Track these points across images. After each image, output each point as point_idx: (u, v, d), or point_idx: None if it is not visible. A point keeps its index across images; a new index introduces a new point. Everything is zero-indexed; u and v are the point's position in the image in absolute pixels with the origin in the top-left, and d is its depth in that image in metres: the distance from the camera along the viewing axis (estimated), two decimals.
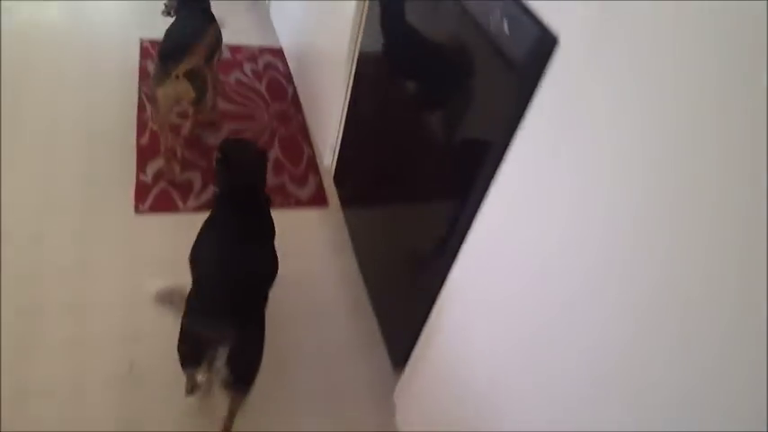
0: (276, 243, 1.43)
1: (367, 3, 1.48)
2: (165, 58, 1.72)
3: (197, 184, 1.90)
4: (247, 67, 2.46)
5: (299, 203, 1.97)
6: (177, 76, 1.70)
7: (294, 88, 2.39)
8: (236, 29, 2.67)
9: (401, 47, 1.36)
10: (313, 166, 2.11)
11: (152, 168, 1.90)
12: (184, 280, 1.35)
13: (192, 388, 1.34)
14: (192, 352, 1.16)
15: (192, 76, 1.73)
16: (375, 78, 1.51)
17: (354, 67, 1.61)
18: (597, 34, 0.72)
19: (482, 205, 0.99)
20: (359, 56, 1.58)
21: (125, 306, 1.55)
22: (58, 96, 2.14)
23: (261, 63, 2.50)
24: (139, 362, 1.45)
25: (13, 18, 2.44)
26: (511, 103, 0.90)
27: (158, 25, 2.08)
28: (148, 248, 1.70)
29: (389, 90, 1.42)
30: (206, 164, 1.97)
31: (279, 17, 2.55)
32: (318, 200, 2.00)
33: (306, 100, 2.25)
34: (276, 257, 1.39)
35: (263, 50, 2.57)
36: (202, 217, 1.66)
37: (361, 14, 1.51)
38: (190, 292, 1.21)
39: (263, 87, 2.38)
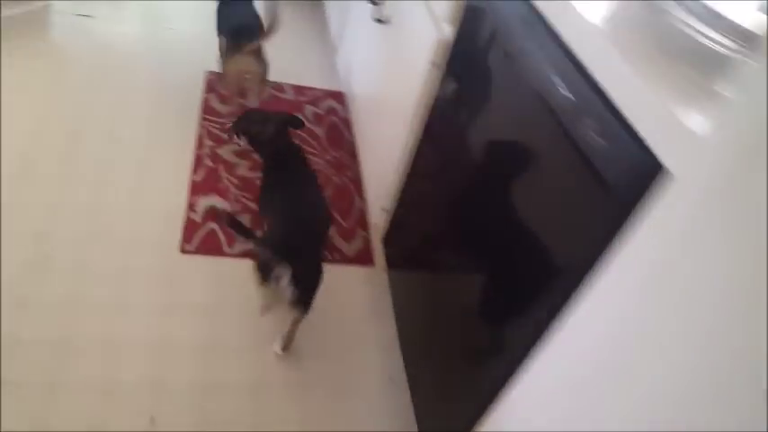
0: (318, 296, 1.55)
1: (441, 69, 1.43)
2: (236, 37, 2.04)
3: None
4: (309, 110, 2.44)
5: (343, 259, 1.91)
6: (246, 53, 2.02)
7: (352, 136, 2.36)
8: (301, 69, 2.68)
9: (477, 122, 1.30)
10: (363, 221, 2.06)
11: (202, 207, 1.88)
12: (223, 327, 1.58)
13: (266, 307, 1.55)
14: (266, 274, 1.42)
15: (256, 53, 2.05)
16: (444, 145, 1.45)
17: (421, 129, 1.55)
18: (712, 173, 0.64)
19: (552, 323, 0.92)
20: (428, 117, 1.52)
21: (155, 351, 1.50)
22: (117, 122, 2.14)
23: (323, 107, 2.48)
24: (162, 414, 1.39)
25: (87, 37, 2.49)
26: (599, 222, 0.83)
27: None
28: (189, 292, 1.66)
29: (458, 160, 1.35)
30: (257, 207, 1.94)
31: (345, 62, 2.53)
32: (364, 258, 1.94)
33: (363, 150, 2.21)
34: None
35: (327, 94, 2.56)
36: (245, 266, 1.63)
37: (434, 77, 1.46)
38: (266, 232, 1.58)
39: (322, 132, 2.35)
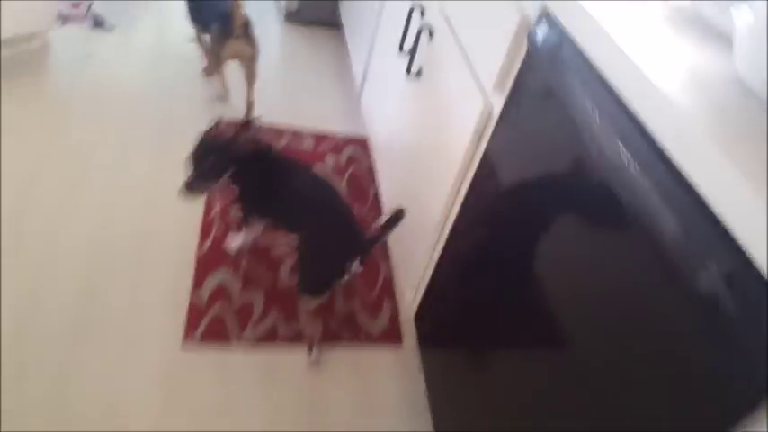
0: (341, 388, 1.54)
1: (494, 121, 1.19)
2: (224, 22, 1.98)
3: (258, 307, 1.64)
4: (330, 160, 2.23)
5: (368, 339, 1.69)
6: (237, 37, 2.01)
7: (376, 188, 2.14)
8: (320, 111, 2.48)
9: (538, 210, 1.07)
10: (389, 290, 1.83)
11: (209, 286, 1.66)
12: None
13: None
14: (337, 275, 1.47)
15: (246, 30, 2.03)
16: (493, 225, 1.21)
17: (467, 185, 1.31)
18: None
19: None
20: (472, 187, 1.28)
21: None
22: (116, 179, 1.92)
23: (344, 155, 2.27)
24: None
25: (88, 79, 2.31)
26: (726, 394, 0.60)
27: (238, 105, 2.14)
28: (193, 392, 1.44)
29: (513, 248, 1.11)
30: (271, 280, 1.73)
31: (368, 106, 2.32)
32: (391, 336, 1.71)
33: (389, 205, 1.98)
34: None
35: (348, 141, 2.35)
36: (259, 357, 1.45)
37: (479, 147, 1.23)
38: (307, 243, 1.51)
39: (343, 184, 2.14)
